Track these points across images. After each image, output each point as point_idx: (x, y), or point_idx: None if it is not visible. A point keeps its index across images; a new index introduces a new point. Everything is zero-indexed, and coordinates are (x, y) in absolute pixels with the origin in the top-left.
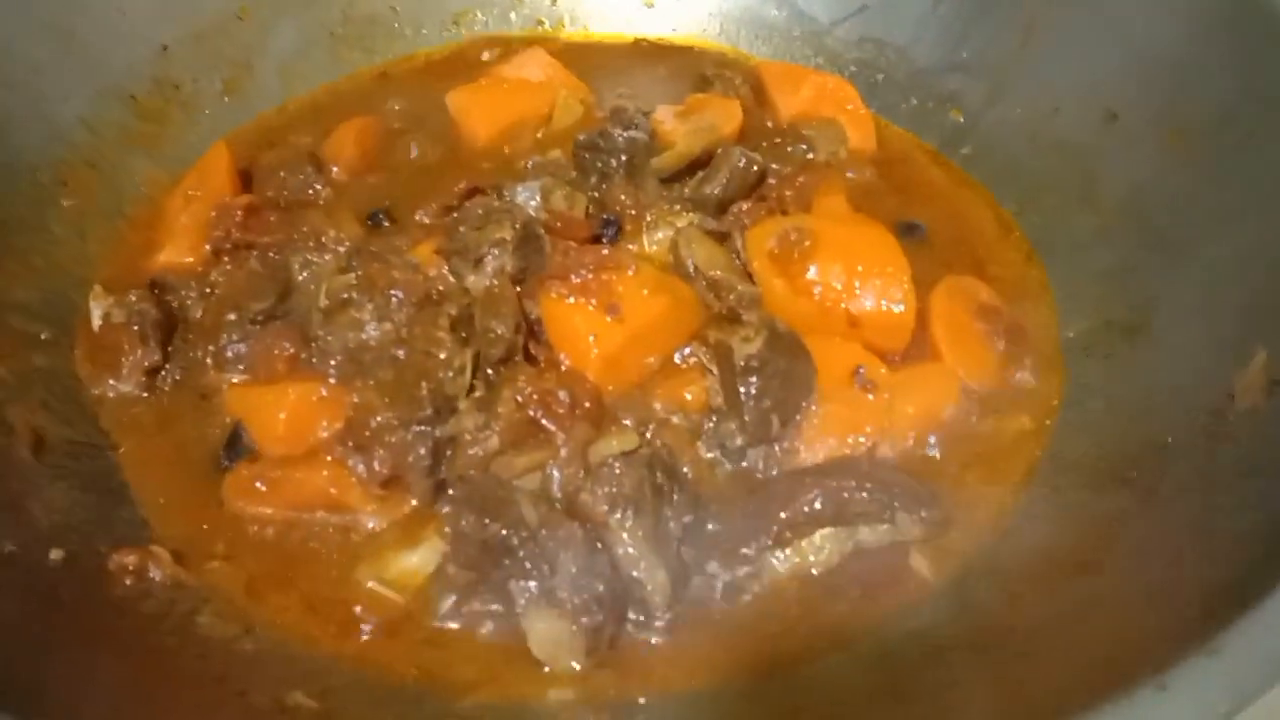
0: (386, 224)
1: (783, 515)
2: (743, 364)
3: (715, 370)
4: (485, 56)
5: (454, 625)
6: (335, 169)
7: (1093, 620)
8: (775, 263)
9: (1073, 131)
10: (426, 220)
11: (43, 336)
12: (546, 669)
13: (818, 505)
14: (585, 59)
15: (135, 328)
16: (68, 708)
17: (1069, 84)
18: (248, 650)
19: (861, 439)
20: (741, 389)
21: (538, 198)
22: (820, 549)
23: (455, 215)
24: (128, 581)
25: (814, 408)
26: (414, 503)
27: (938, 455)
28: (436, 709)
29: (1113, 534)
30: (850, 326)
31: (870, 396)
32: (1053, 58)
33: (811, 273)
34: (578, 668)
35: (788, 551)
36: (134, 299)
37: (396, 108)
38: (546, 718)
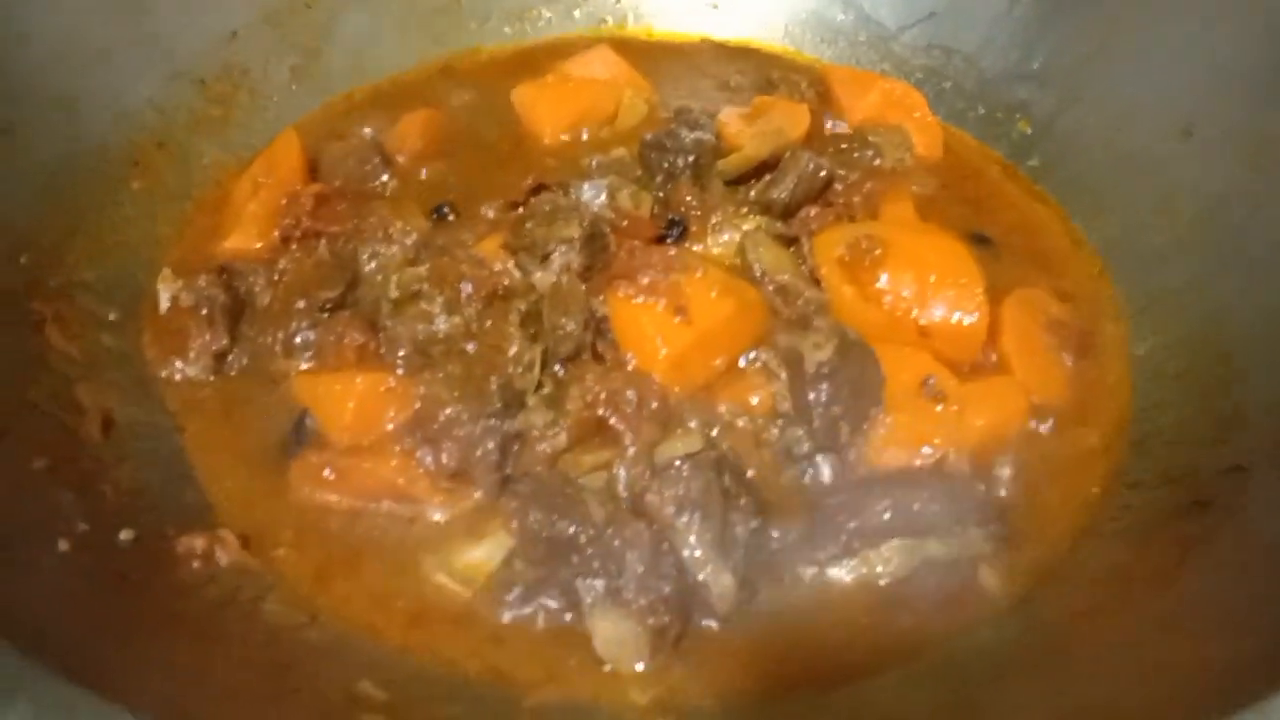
0: (451, 217)
1: (851, 525)
2: (813, 370)
3: (784, 375)
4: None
5: (519, 621)
6: (400, 157)
7: (1168, 643)
8: (844, 269)
9: (1147, 144)
10: (491, 215)
11: (111, 317)
12: (609, 668)
13: (887, 516)
14: (649, 58)
15: (203, 312)
16: (135, 686)
17: (1144, 95)
18: (313, 639)
19: (929, 450)
20: (810, 395)
21: (604, 196)
22: (888, 560)
23: (521, 211)
24: (195, 565)
25: (882, 417)
26: (478, 496)
27: (1007, 470)
28: (501, 705)
29: (1187, 556)
30: (920, 336)
31: (939, 407)
32: (1128, 69)
33: (882, 281)
34: (641, 669)
35: (855, 561)
36: (202, 283)
37: (461, 101)
38: (607, 718)
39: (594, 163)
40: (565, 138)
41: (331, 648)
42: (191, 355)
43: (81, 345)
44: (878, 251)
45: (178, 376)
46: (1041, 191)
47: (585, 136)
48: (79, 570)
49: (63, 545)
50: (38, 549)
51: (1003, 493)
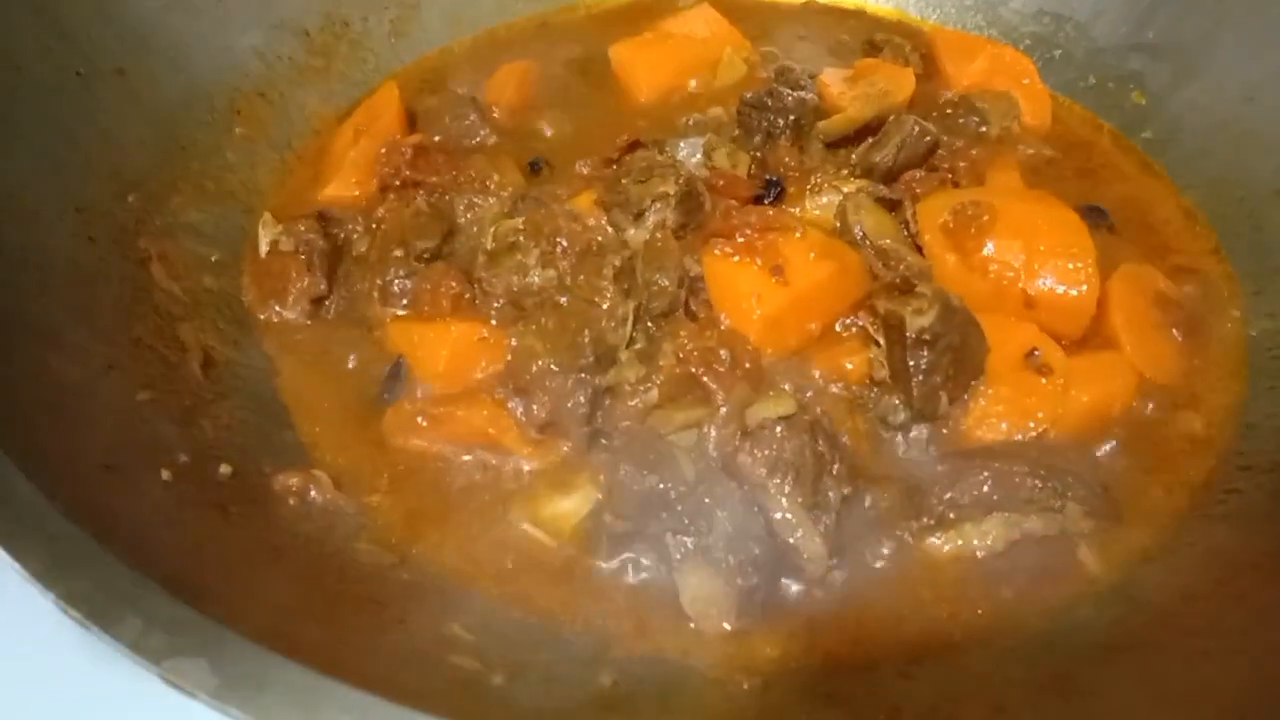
0: (546, 172)
1: (947, 496)
2: (914, 337)
3: (882, 341)
4: None
5: (606, 573)
6: (495, 111)
7: (1273, 632)
8: (949, 236)
9: (1267, 121)
10: (586, 171)
11: (213, 259)
12: (695, 626)
13: (986, 489)
14: (751, 17)
15: (302, 256)
16: (236, 612)
17: (1265, 70)
18: (404, 580)
19: (1032, 424)
20: (911, 362)
21: (700, 154)
22: (986, 534)
23: (616, 167)
24: (291, 501)
25: (984, 388)
26: (567, 449)
27: (1111, 448)
28: (586, 655)
29: None
30: (1025, 308)
31: (1044, 381)
32: (1248, 42)
33: (988, 249)
34: (728, 627)
35: (951, 533)
36: (302, 228)
37: (558, 57)
38: (693, 675)
39: (690, 121)
40: (662, 95)
41: (421, 589)
42: (290, 299)
43: (184, 285)
44: (984, 219)
45: (275, 319)
46: (1155, 165)
47: (683, 95)
48: (181, 500)
49: (165, 475)
50: (143, 475)
51: (1106, 470)
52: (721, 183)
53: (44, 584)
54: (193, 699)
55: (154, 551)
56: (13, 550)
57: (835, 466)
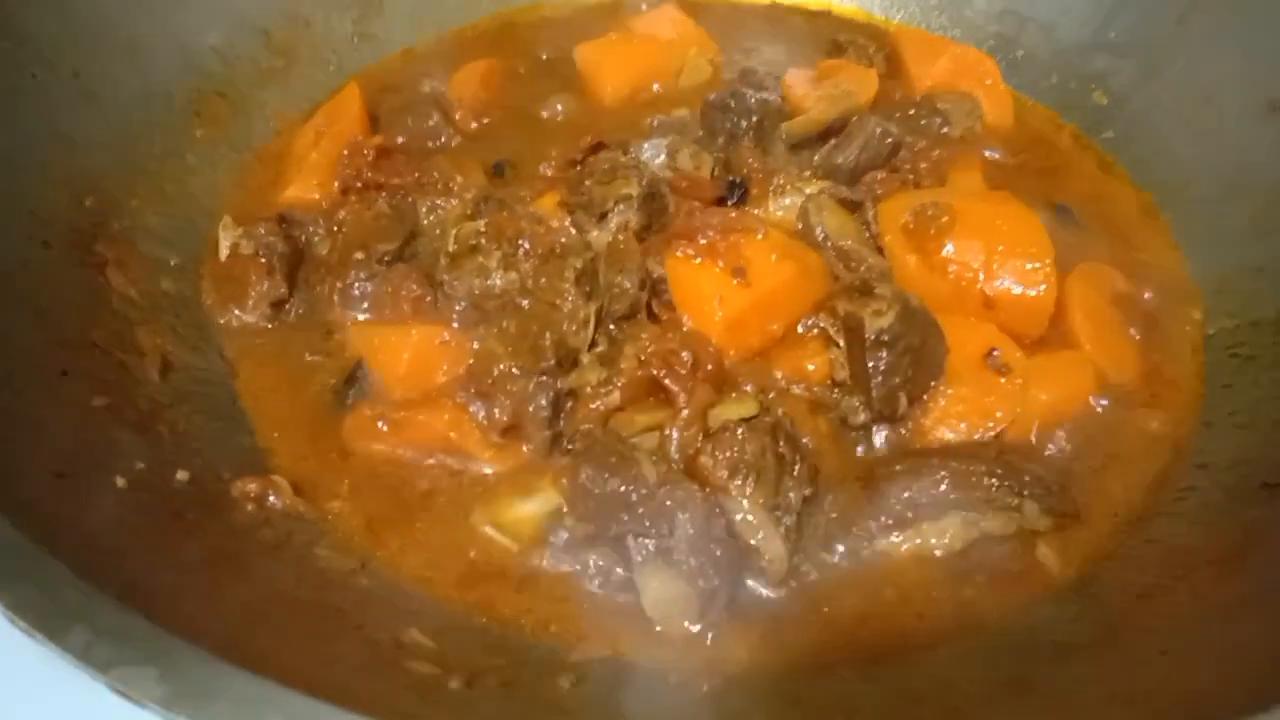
0: (509, 174)
1: (905, 495)
2: (873, 338)
3: (842, 343)
4: None
5: (567, 576)
6: (459, 112)
7: (1232, 628)
8: (909, 237)
9: (1228, 120)
10: (549, 173)
11: (172, 263)
12: (657, 628)
13: (944, 488)
14: (716, 18)
15: (262, 260)
16: (192, 622)
17: (1227, 70)
18: (364, 585)
19: (991, 424)
20: (870, 364)
21: (664, 155)
22: (944, 532)
23: (580, 169)
24: (249, 508)
25: (944, 388)
26: (529, 452)
27: (1069, 447)
28: (547, 658)
29: (1257, 539)
30: (985, 308)
31: (1003, 380)
32: (1210, 42)
33: (948, 250)
34: (690, 629)
35: (910, 533)
36: (262, 231)
37: (522, 58)
38: (655, 676)
39: (655, 122)
40: (627, 96)
41: (382, 595)
42: (250, 303)
43: (142, 289)
44: (944, 219)
45: (235, 323)
46: (1115, 164)
47: (647, 96)
48: (136, 507)
49: (120, 481)
50: (97, 483)
51: (1064, 469)
52: (685, 184)
53: None
54: (142, 708)
55: (105, 559)
56: None
57: (796, 468)
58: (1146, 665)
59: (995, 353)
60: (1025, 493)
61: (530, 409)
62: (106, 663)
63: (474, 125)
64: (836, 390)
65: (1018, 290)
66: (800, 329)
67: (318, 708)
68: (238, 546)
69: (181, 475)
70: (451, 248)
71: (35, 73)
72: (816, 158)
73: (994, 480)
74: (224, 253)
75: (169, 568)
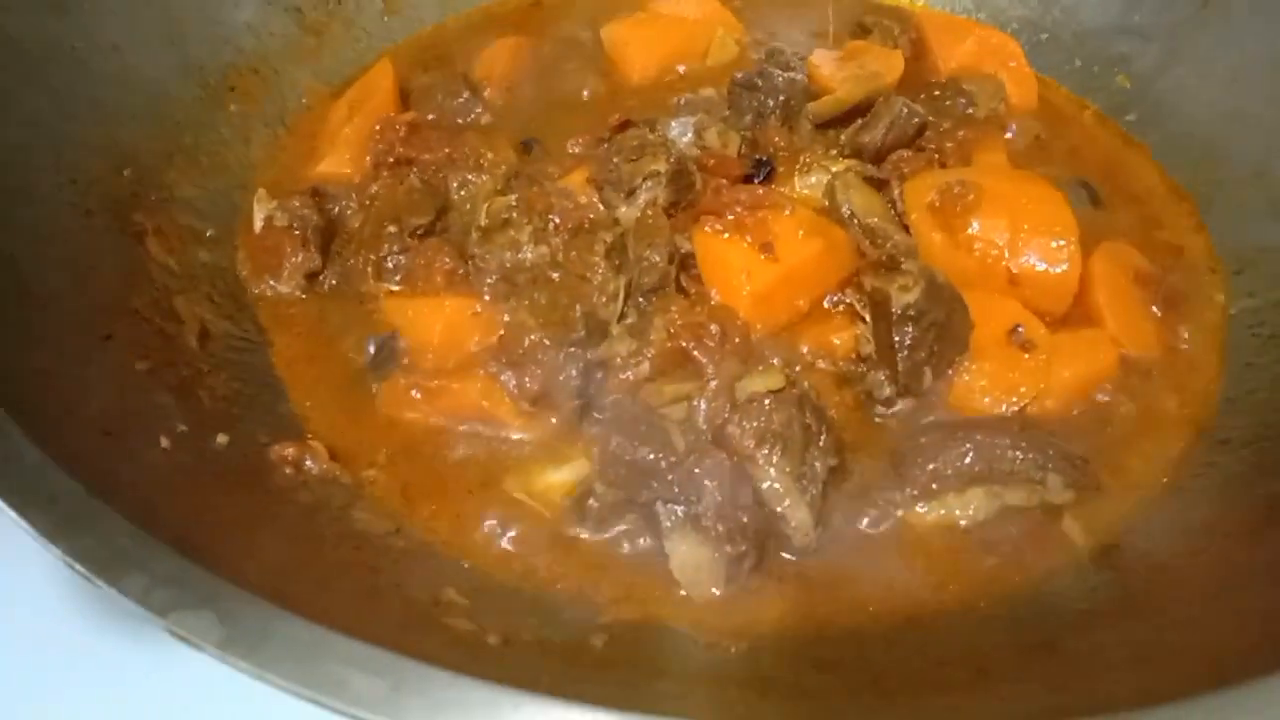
0: (538, 151)
1: (930, 467)
2: (899, 313)
3: (868, 318)
4: None
5: (597, 541)
6: (488, 89)
7: (1252, 594)
8: (935, 215)
9: (1251, 103)
10: (577, 150)
11: (208, 234)
12: (684, 592)
13: (969, 460)
14: None
15: (296, 231)
16: (235, 573)
17: (1250, 53)
18: (400, 547)
19: (1015, 399)
20: (896, 338)
21: (691, 133)
22: (968, 504)
23: (608, 146)
24: (287, 471)
25: (968, 363)
26: (558, 421)
27: (1092, 422)
28: (577, 620)
29: (1276, 514)
30: (1009, 285)
31: (1027, 356)
32: (1234, 25)
33: (973, 228)
34: (717, 593)
35: (934, 503)
36: (297, 204)
37: (550, 36)
38: (683, 638)
39: (682, 101)
40: (654, 75)
41: (417, 556)
42: (284, 273)
43: (180, 258)
44: (970, 198)
45: (269, 293)
46: (1139, 144)
47: (674, 75)
48: (179, 466)
49: (164, 442)
50: (143, 442)
51: (1087, 444)
52: (712, 162)
53: (51, 541)
54: (199, 651)
55: (154, 514)
56: (20, 510)
57: (822, 438)
58: (1169, 630)
59: (1019, 329)
60: (1049, 466)
61: (560, 379)
62: (165, 607)
63: (502, 103)
64: (862, 364)
65: (1042, 268)
66: (826, 304)
67: (371, 651)
68: (277, 507)
69: (221, 439)
70: (483, 222)
71: (75, 45)
72: (843, 137)
73: (1018, 453)
74: (259, 224)
75: (212, 524)
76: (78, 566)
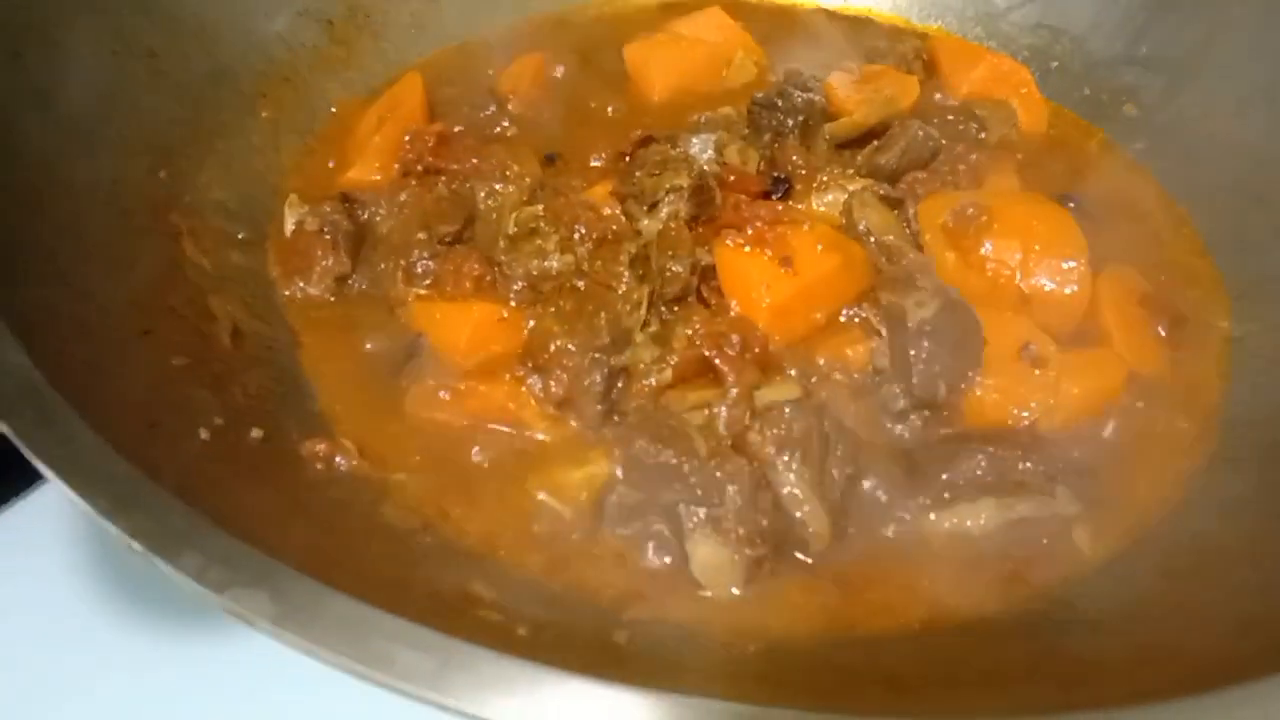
0: (561, 164)
1: (944, 477)
2: (914, 328)
3: (884, 332)
4: None
5: (620, 540)
6: (512, 103)
7: (1259, 604)
8: (948, 236)
9: (1254, 134)
10: (600, 164)
11: (240, 236)
12: (705, 592)
13: (980, 471)
14: (761, 22)
15: (327, 236)
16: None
17: (1254, 85)
18: (428, 543)
19: (1025, 414)
20: (911, 352)
21: (711, 150)
22: (979, 514)
23: (630, 161)
24: (318, 466)
25: (980, 378)
26: (581, 425)
27: (1100, 437)
28: (600, 617)
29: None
30: (1021, 304)
31: (1037, 373)
32: (1239, 57)
33: (986, 248)
34: (737, 593)
35: (946, 512)
36: (327, 209)
37: (573, 54)
38: (702, 637)
39: (702, 119)
40: (674, 95)
41: (445, 552)
42: (314, 276)
43: (213, 259)
44: (982, 219)
45: (299, 295)
46: (1145, 171)
47: (694, 94)
48: (218, 457)
49: (203, 434)
50: (184, 433)
51: (1095, 458)
52: (732, 178)
53: (111, 520)
54: (251, 628)
55: (196, 500)
56: (80, 489)
57: (840, 448)
58: (1175, 636)
59: (1030, 346)
60: (1058, 479)
61: (585, 383)
62: (221, 584)
63: (526, 116)
64: (877, 377)
65: (1052, 288)
66: (843, 317)
67: (417, 630)
68: (310, 500)
69: (256, 433)
70: (511, 230)
71: (115, 49)
72: (859, 157)
73: (1028, 464)
74: (289, 228)
75: (250, 512)
76: (136, 544)
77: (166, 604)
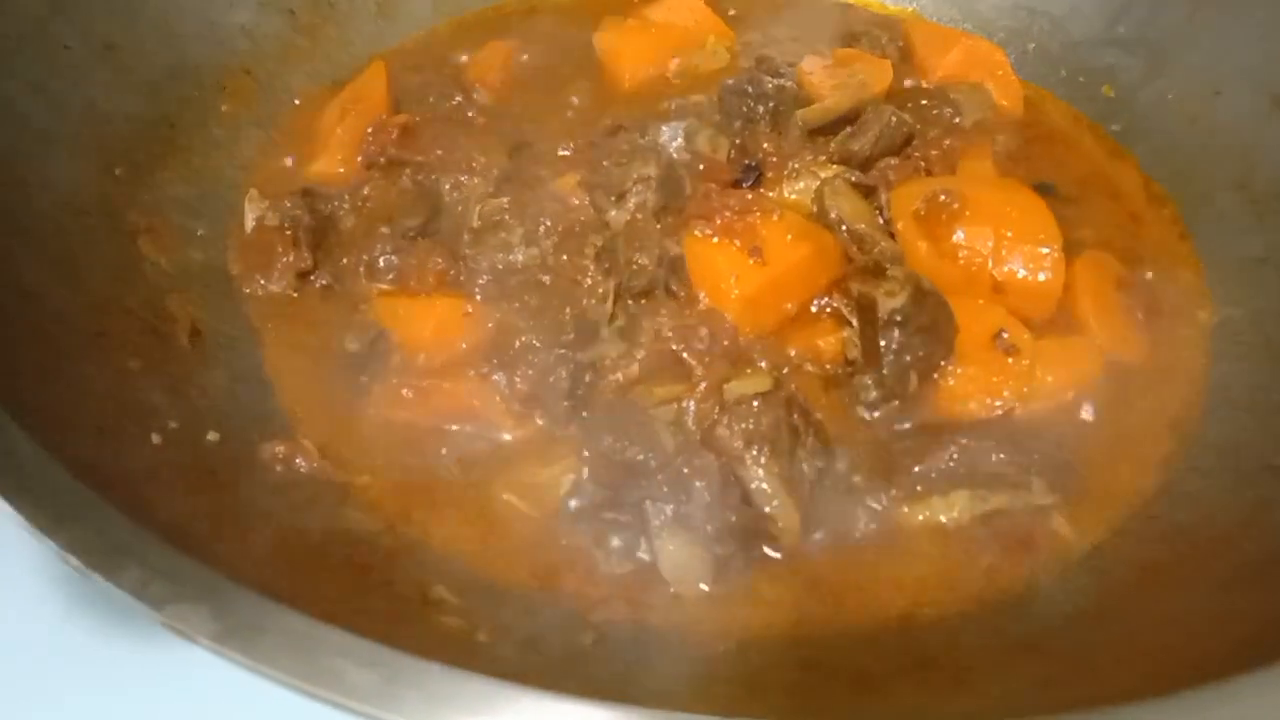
0: (529, 154)
1: (916, 469)
2: (885, 318)
3: (855, 322)
4: None
5: (586, 539)
6: (479, 93)
7: (1236, 597)
8: (920, 224)
9: (1233, 116)
10: (568, 153)
11: (200, 233)
12: (673, 591)
13: (953, 463)
14: (732, 6)
15: (288, 231)
16: (228, 567)
17: (1233, 66)
18: (390, 545)
19: (998, 403)
20: (882, 343)
21: (681, 138)
22: (953, 506)
23: (598, 150)
24: (278, 469)
25: (953, 368)
26: (547, 422)
27: (1076, 426)
28: (567, 618)
29: (1258, 518)
30: (994, 292)
31: (1011, 360)
32: (1218, 38)
33: (958, 236)
34: (706, 590)
35: (919, 505)
36: (288, 204)
37: (542, 41)
38: (672, 636)
39: (672, 106)
40: (645, 81)
41: (407, 555)
42: (275, 273)
43: (172, 257)
44: (955, 206)
45: (261, 292)
46: (1125, 153)
47: (664, 82)
48: (171, 463)
49: (156, 439)
50: (135, 438)
51: (1071, 449)
52: (702, 167)
53: (46, 534)
54: (193, 644)
55: (145, 509)
56: (15, 502)
57: (809, 440)
58: (1151, 631)
59: (1004, 334)
60: (1033, 470)
61: (551, 380)
62: (161, 600)
63: (494, 106)
64: (849, 367)
65: (1025, 275)
66: (814, 308)
67: (367, 645)
68: (268, 503)
69: (212, 436)
70: (475, 223)
71: (69, 44)
72: (832, 144)
73: (1002, 455)
74: (250, 224)
75: (203, 518)
76: (73, 560)
77: (139, 608)
